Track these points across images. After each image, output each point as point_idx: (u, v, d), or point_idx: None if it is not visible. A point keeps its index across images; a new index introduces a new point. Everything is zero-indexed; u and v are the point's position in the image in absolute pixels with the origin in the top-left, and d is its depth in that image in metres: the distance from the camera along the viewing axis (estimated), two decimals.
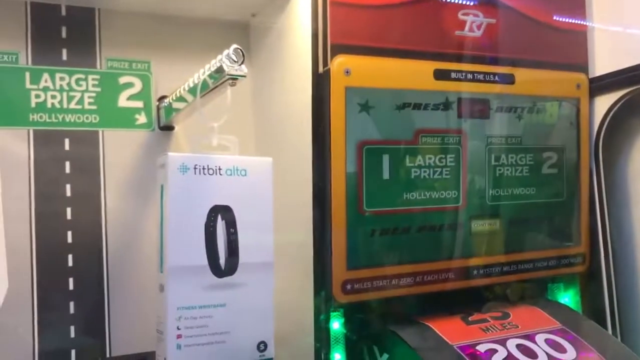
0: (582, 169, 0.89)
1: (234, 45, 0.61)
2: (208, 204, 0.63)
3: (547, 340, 0.77)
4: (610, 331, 0.87)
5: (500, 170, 0.83)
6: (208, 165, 0.63)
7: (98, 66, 0.81)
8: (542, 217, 0.87)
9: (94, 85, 0.81)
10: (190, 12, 0.84)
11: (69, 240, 0.78)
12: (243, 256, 0.64)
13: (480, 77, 0.80)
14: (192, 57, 0.81)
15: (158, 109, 0.84)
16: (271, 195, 0.66)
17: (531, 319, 0.81)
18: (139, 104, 0.83)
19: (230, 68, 0.61)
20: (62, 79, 0.79)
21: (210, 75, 0.64)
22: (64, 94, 0.79)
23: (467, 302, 0.83)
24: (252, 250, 0.64)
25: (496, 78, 0.81)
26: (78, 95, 0.80)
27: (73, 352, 0.77)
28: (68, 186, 0.79)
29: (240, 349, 0.63)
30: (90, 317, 0.78)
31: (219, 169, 0.64)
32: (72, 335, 0.77)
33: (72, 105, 0.80)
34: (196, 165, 0.63)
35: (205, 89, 0.67)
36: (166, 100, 0.81)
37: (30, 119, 0.77)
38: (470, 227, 0.81)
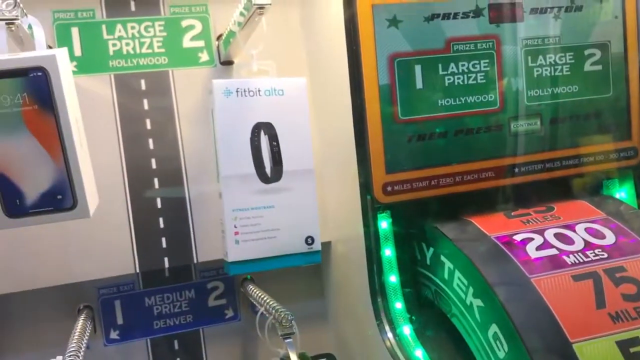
0: (630, 63, 0.89)
1: None
2: (252, 122, 0.73)
3: (587, 229, 0.80)
4: None
5: (538, 70, 0.85)
6: (248, 88, 0.73)
7: (162, 13, 0.93)
8: (587, 114, 0.88)
9: (160, 31, 0.92)
10: None
11: (154, 166, 0.92)
12: (286, 165, 0.73)
13: None
14: None
15: (217, 46, 0.94)
16: (307, 110, 0.74)
17: (575, 211, 0.85)
18: (200, 43, 0.94)
19: None
20: (133, 27, 0.91)
21: (244, 8, 0.73)
22: (136, 41, 0.91)
23: (512, 200, 0.88)
24: (294, 159, 0.74)
25: None
26: (148, 40, 0.92)
27: (166, 259, 0.92)
28: (148, 120, 0.92)
29: (290, 243, 0.73)
30: (177, 230, 0.92)
31: (259, 91, 0.73)
32: (164, 245, 0.92)
33: (144, 50, 0.92)
34: (238, 88, 0.72)
35: (247, 22, 0.76)
36: (222, 38, 0.91)
37: (110, 65, 0.90)
38: (510, 128, 0.85)
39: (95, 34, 0.90)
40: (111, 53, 0.91)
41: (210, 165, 0.91)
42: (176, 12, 0.93)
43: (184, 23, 0.93)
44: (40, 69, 0.64)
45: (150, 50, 0.92)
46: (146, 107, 0.92)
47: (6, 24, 0.62)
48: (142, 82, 0.92)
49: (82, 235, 0.86)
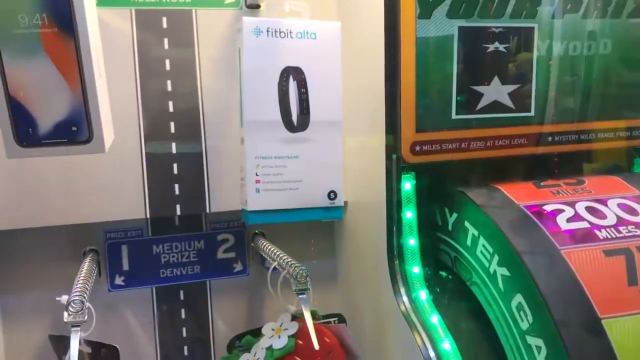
0: None
1: None
2: (280, 65, 0.69)
3: (619, 205, 0.77)
4: None
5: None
6: (280, 29, 0.68)
7: None
8: (625, 88, 0.84)
9: None
10: None
11: (170, 109, 0.88)
12: (314, 114, 0.70)
13: None
14: None
15: None
16: (339, 57, 0.70)
17: (607, 186, 0.81)
18: None
19: None
20: None
21: None
22: None
23: (542, 171, 0.84)
24: (322, 109, 0.70)
25: None
26: None
27: (177, 206, 0.89)
28: (167, 61, 0.88)
29: (312, 196, 0.70)
30: (191, 177, 0.89)
31: (290, 32, 0.69)
32: (177, 192, 0.89)
33: None
34: (269, 28, 0.68)
35: None
36: None
37: (132, 0, 0.86)
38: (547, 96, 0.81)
39: None
40: None
41: (230, 114, 0.88)
42: None
43: None
44: None
45: None
46: (166, 46, 0.88)
47: None
48: (164, 19, 0.88)
49: (91, 174, 0.83)
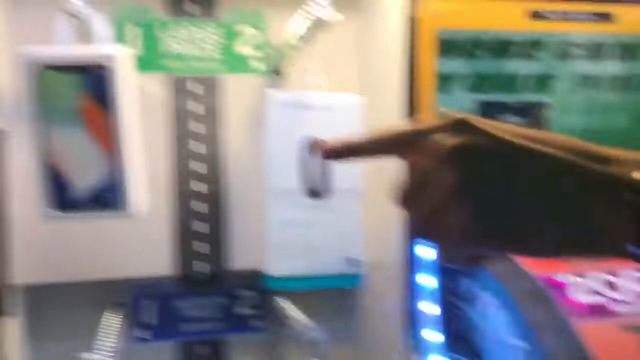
0: None
1: None
2: (302, 135, 0.72)
3: (634, 278, 0.78)
4: None
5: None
6: (302, 101, 0.72)
7: (218, 16, 0.93)
8: None
9: (214, 34, 0.92)
10: None
11: (197, 169, 0.92)
12: (335, 182, 0.73)
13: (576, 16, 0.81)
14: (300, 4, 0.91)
15: (270, 54, 0.94)
16: (360, 129, 0.73)
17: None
18: (253, 50, 0.94)
19: (319, 11, 0.68)
20: (187, 28, 0.91)
21: (306, 21, 0.72)
22: (189, 43, 0.92)
23: None
24: (342, 178, 0.73)
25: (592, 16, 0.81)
26: (201, 43, 0.92)
27: (201, 264, 0.92)
28: (195, 123, 0.92)
29: (332, 263, 0.72)
30: (215, 235, 0.92)
31: (312, 105, 0.72)
32: (201, 250, 0.92)
33: (197, 53, 0.92)
34: (291, 100, 0.72)
35: (302, 34, 0.75)
36: (276, 46, 0.91)
37: (162, 65, 0.91)
38: None
39: (150, 32, 0.90)
40: (164, 52, 0.91)
41: (253, 174, 0.91)
42: (231, 17, 0.93)
43: (238, 28, 0.93)
44: (103, 66, 0.64)
45: (202, 54, 0.92)
46: (194, 109, 0.92)
47: (71, 15, 0.62)
48: (192, 84, 0.92)
49: (121, 232, 0.86)
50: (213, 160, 0.92)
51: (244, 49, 0.93)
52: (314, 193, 0.72)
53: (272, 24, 0.94)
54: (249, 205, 0.91)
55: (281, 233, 0.71)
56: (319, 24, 0.71)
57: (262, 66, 0.94)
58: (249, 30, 0.93)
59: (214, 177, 0.92)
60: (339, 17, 0.69)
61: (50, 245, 0.84)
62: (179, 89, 0.91)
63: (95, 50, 0.64)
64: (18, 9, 0.84)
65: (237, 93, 0.93)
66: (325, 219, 0.72)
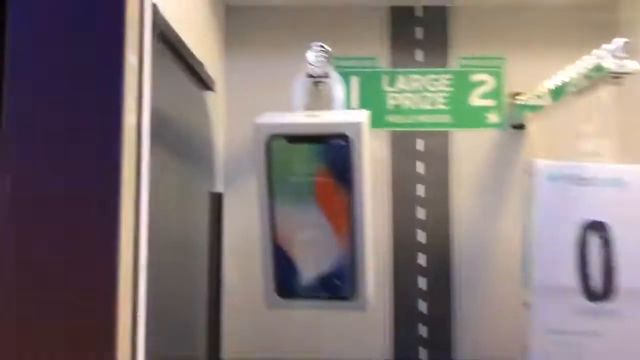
0: None
1: (622, 39, 0.52)
2: (580, 219, 0.56)
3: None
4: None
5: None
6: (580, 174, 0.56)
7: (450, 65, 0.80)
8: None
9: (446, 85, 0.80)
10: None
11: (421, 240, 0.79)
12: (622, 280, 0.56)
13: None
14: (548, 50, 0.76)
15: (510, 106, 0.79)
16: None
17: None
18: (490, 102, 0.80)
19: (614, 65, 0.52)
20: (416, 80, 0.80)
21: (585, 74, 0.57)
22: (418, 95, 0.80)
23: None
24: (633, 275, 0.56)
25: None
26: (431, 95, 0.80)
27: (422, 349, 0.79)
28: (420, 186, 0.80)
29: None
30: (439, 318, 0.79)
31: (594, 179, 0.56)
32: (422, 334, 0.79)
33: (425, 106, 0.80)
34: (567, 174, 0.56)
35: (574, 88, 0.60)
36: (522, 98, 0.76)
37: (387, 121, 0.80)
38: None
39: (375, 85, 0.80)
40: (390, 107, 0.80)
41: (485, 251, 0.77)
42: (466, 65, 0.80)
43: (474, 78, 0.80)
44: (343, 136, 0.54)
45: (432, 107, 0.80)
46: (420, 170, 0.80)
47: (315, 82, 0.53)
48: (419, 141, 0.80)
49: (336, 315, 0.76)
50: (437, 228, 0.79)
51: (479, 100, 0.80)
52: (594, 293, 0.55)
53: (513, 69, 0.79)
54: (478, 286, 0.77)
55: (549, 343, 0.55)
56: (602, 78, 0.55)
57: (500, 120, 0.79)
58: (486, 79, 0.80)
59: (439, 248, 0.79)
60: (634, 68, 0.53)
61: (268, 323, 0.76)
62: (402, 146, 0.80)
63: (337, 118, 0.54)
64: (254, 69, 0.79)
65: (468, 151, 0.80)
66: (608, 328, 0.55)
